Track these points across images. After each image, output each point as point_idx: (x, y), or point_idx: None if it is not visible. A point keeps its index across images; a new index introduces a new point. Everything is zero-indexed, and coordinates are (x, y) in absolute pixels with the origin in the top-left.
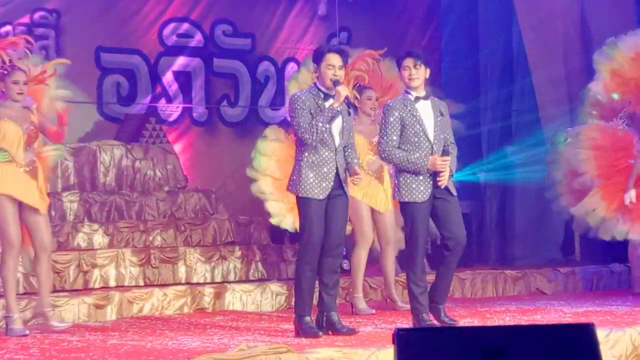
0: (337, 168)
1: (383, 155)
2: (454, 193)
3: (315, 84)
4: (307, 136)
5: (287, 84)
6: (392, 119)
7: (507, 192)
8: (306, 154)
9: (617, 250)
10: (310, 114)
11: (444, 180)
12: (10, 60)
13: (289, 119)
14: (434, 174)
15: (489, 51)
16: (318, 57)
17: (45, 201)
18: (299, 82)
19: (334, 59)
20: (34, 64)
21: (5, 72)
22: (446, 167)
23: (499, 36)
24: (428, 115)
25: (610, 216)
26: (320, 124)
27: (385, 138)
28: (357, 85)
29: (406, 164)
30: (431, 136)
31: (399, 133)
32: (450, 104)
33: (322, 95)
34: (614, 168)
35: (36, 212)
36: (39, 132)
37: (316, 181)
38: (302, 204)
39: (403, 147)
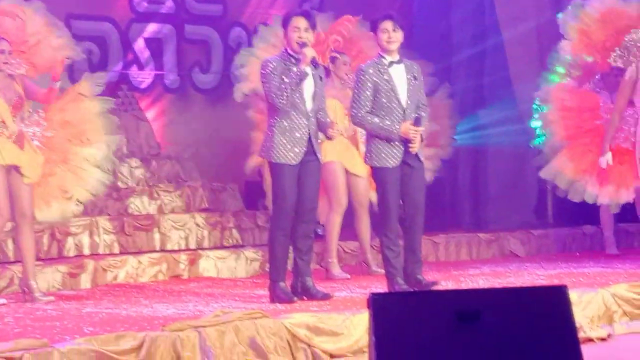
0: (309, 133)
1: (355, 120)
2: (422, 159)
3: (285, 48)
4: (278, 100)
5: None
6: (365, 84)
7: (480, 156)
8: (278, 120)
9: (590, 211)
10: (281, 78)
11: (415, 147)
12: None
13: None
14: (406, 140)
15: (461, 12)
16: (285, 22)
17: (33, 172)
18: (257, 56)
19: (299, 22)
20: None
21: None
22: (417, 136)
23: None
24: (401, 79)
25: (578, 178)
26: (289, 87)
27: (357, 103)
28: (333, 50)
29: (378, 130)
30: (404, 101)
31: (371, 98)
32: (422, 63)
33: (292, 60)
34: (581, 129)
35: (20, 180)
36: (24, 101)
37: (289, 146)
38: (275, 169)
39: (375, 111)
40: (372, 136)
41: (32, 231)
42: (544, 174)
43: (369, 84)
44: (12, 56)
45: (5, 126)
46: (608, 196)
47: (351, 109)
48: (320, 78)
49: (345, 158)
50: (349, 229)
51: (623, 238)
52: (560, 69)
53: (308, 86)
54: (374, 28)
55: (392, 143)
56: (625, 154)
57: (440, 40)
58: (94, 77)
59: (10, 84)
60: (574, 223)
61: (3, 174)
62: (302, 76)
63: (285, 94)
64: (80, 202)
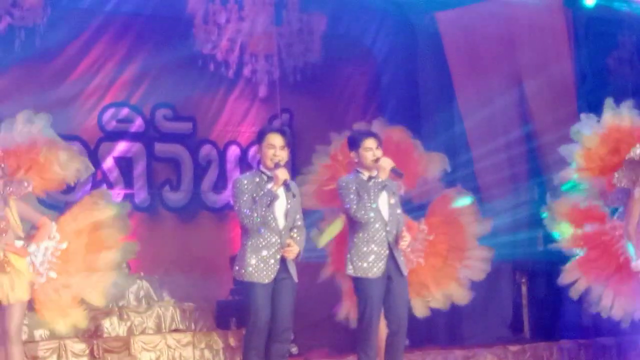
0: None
1: (365, 215)
2: (405, 273)
3: (258, 165)
4: (247, 222)
5: None
6: (352, 189)
7: None
8: (250, 238)
9: (566, 325)
10: (253, 197)
11: (406, 241)
12: None
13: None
14: (389, 248)
15: (430, 131)
16: (260, 138)
17: (13, 294)
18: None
19: (275, 139)
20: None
21: None
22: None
23: (440, 114)
24: (382, 197)
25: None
26: (260, 210)
27: (355, 202)
28: None
29: None
30: (386, 215)
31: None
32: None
33: (265, 178)
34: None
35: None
36: (8, 224)
37: (260, 265)
38: (247, 289)
39: (358, 226)
40: (354, 244)
41: (15, 353)
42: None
43: (355, 190)
44: (16, 177)
45: None
46: (622, 309)
47: (357, 209)
48: (293, 195)
49: None
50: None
51: (600, 352)
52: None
53: (280, 204)
54: (355, 145)
55: (376, 250)
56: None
57: None
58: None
59: None
60: (550, 337)
61: None
62: (273, 198)
63: (255, 216)
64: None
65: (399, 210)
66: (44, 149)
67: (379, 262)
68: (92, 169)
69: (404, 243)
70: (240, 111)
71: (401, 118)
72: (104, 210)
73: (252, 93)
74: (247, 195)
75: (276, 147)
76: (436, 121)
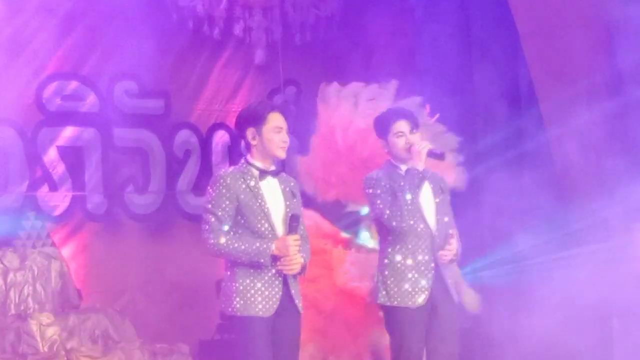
0: (284, 272)
1: (402, 223)
2: (456, 299)
3: (245, 157)
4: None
5: None
6: (385, 187)
7: (520, 301)
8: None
9: None
10: (238, 201)
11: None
12: None
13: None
14: (436, 266)
15: (489, 104)
16: (255, 119)
17: None
18: None
19: (279, 120)
20: None
21: None
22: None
23: (501, 80)
24: (425, 193)
25: None
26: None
27: (389, 204)
28: None
29: None
30: (431, 219)
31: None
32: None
33: (255, 173)
34: None
35: None
36: None
37: (257, 293)
38: (241, 325)
39: (394, 236)
40: (388, 261)
41: None
42: None
43: (387, 189)
44: None
45: None
46: None
47: (390, 216)
48: (293, 195)
49: None
50: None
51: None
52: None
53: (277, 208)
54: (384, 130)
55: (416, 269)
56: None
57: (461, 128)
58: None
59: None
60: None
61: None
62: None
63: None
64: None
65: (446, 218)
66: None
67: (423, 286)
68: None
69: (446, 255)
70: (229, 83)
71: (449, 92)
72: None
73: (246, 59)
74: (227, 202)
75: (283, 129)
76: (496, 91)
